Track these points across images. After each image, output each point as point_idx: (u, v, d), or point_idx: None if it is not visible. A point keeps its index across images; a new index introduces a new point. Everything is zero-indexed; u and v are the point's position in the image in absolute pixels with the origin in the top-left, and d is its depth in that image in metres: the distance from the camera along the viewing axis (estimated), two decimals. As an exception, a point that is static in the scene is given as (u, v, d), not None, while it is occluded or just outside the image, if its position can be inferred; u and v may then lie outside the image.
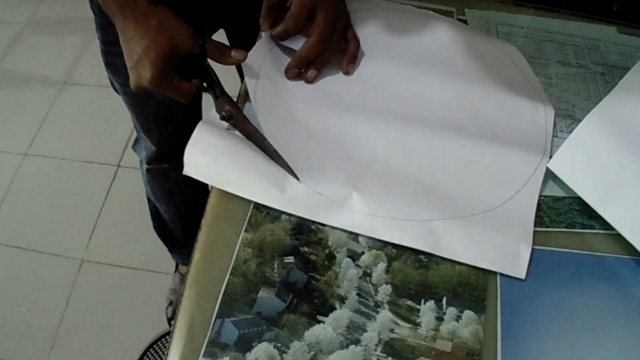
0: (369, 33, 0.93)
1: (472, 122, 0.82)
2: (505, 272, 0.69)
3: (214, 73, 0.80)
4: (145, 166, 1.33)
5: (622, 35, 1.01)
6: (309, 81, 0.85)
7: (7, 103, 2.32)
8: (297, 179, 0.73)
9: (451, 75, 0.88)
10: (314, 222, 0.72)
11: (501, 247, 0.70)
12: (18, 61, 2.40)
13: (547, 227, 0.73)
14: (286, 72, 0.86)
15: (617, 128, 0.78)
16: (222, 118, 0.77)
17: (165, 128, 1.17)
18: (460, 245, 0.70)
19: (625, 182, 0.73)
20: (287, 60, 0.87)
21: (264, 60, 0.87)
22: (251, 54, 0.84)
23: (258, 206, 0.73)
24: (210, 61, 0.81)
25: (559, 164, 0.77)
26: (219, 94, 0.79)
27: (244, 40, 0.98)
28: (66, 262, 1.88)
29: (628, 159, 0.74)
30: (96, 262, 1.88)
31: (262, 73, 0.84)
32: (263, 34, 0.90)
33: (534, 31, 0.99)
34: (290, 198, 0.72)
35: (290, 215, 0.72)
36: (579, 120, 0.81)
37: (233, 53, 0.80)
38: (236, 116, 0.77)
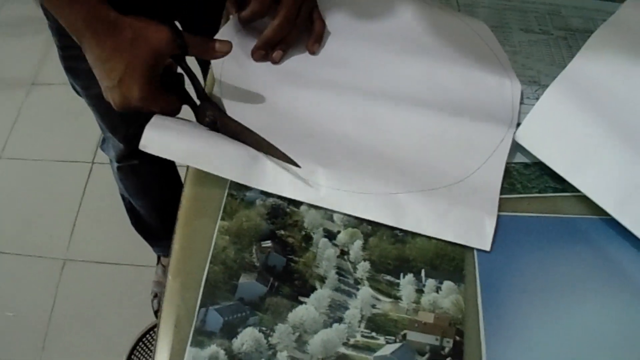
0: (334, 12, 0.93)
1: (438, 97, 0.82)
2: (470, 245, 0.69)
3: (195, 76, 0.78)
4: (115, 164, 1.32)
5: (583, -1, 1.02)
6: (275, 62, 0.85)
7: (-22, 106, 2.29)
8: (298, 166, 0.72)
9: (418, 52, 0.88)
10: (288, 204, 0.72)
11: (466, 220, 0.71)
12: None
13: (519, 193, 0.75)
14: (252, 54, 0.86)
15: (581, 94, 0.79)
16: (207, 124, 0.76)
17: (132, 126, 1.13)
18: (424, 218, 0.71)
19: (592, 148, 0.74)
20: (253, 42, 0.87)
21: (235, 36, 0.88)
22: (217, 37, 0.84)
23: (232, 193, 0.73)
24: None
25: (525, 134, 0.77)
26: (200, 97, 0.77)
27: (201, 30, 0.97)
28: (49, 263, 1.88)
29: (593, 125, 0.75)
30: (79, 260, 1.88)
31: (228, 56, 0.84)
32: (230, 17, 0.90)
33: (495, 0, 0.99)
34: (256, 173, 0.72)
35: (264, 199, 0.73)
36: (545, 86, 0.82)
37: (217, 45, 0.77)
38: (221, 119, 0.76)
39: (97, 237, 1.91)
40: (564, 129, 0.76)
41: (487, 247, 0.69)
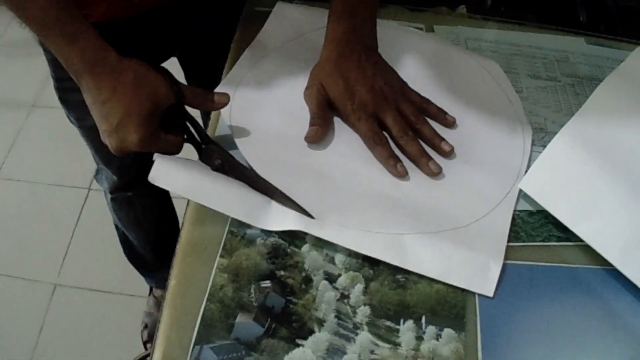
0: None
1: (448, 139, 0.81)
2: (473, 290, 0.68)
3: (195, 120, 0.77)
4: (109, 195, 1.30)
5: (590, 46, 1.02)
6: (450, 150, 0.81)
7: (-24, 127, 2.28)
8: (312, 217, 0.71)
9: (430, 91, 0.87)
10: (289, 245, 0.71)
11: (470, 264, 0.70)
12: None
13: (524, 241, 0.74)
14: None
15: (587, 144, 0.78)
16: (215, 168, 0.74)
17: (125, 158, 1.11)
18: (428, 259, 0.70)
19: (596, 198, 0.73)
20: (265, 80, 0.87)
21: (241, 82, 0.87)
22: (224, 80, 0.84)
23: (232, 230, 0.72)
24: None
25: (531, 183, 0.77)
26: (205, 142, 0.76)
27: (198, 68, 0.97)
28: (39, 287, 1.85)
29: (598, 175, 0.75)
30: (69, 286, 1.85)
31: (237, 95, 0.84)
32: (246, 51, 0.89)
33: (502, 45, 0.99)
34: (263, 214, 0.72)
35: (264, 238, 0.72)
36: (551, 133, 0.82)
37: (216, 97, 0.77)
38: (229, 163, 0.75)
39: (89, 264, 1.88)
40: (570, 179, 0.76)
41: (490, 293, 0.68)
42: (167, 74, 0.74)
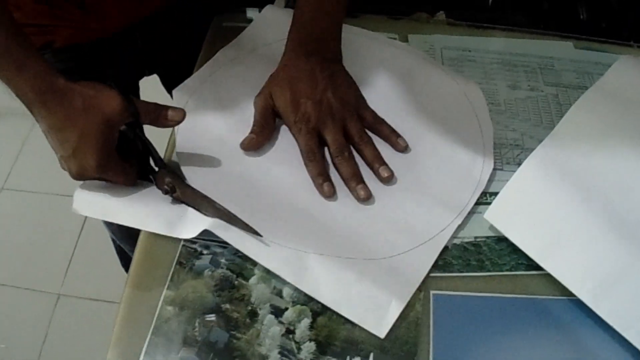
0: None
1: (397, 163, 0.78)
2: (364, 326, 0.64)
3: (150, 143, 0.75)
4: None
5: (580, 51, 0.97)
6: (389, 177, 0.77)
7: (-18, 137, 2.30)
8: (260, 235, 0.69)
9: (396, 108, 0.84)
10: (237, 277, 0.69)
11: (368, 299, 0.66)
12: (-9, 95, 2.38)
13: (488, 271, 0.70)
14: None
15: (559, 171, 0.74)
16: (165, 192, 0.73)
17: None
18: (326, 285, 0.66)
19: (566, 231, 0.69)
20: (210, 104, 0.84)
21: (190, 98, 0.85)
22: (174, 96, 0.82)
23: (181, 262, 0.70)
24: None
25: (497, 212, 0.72)
26: (159, 166, 0.74)
27: (177, 80, 0.95)
28: (43, 297, 1.85)
29: (569, 205, 0.70)
30: (73, 296, 1.85)
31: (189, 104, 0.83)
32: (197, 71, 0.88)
33: (481, 53, 0.95)
34: (176, 223, 0.70)
35: (212, 269, 0.69)
36: (528, 150, 0.79)
37: (170, 113, 0.75)
38: (179, 187, 0.73)
39: (92, 274, 1.88)
40: (539, 208, 0.71)
41: (382, 334, 0.64)
42: (123, 93, 0.71)
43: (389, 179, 0.76)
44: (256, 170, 0.77)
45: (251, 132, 0.79)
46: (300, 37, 0.82)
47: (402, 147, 0.79)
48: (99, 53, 0.93)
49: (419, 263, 0.69)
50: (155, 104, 0.75)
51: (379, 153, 0.78)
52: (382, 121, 0.81)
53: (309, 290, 0.66)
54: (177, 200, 0.73)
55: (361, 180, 0.75)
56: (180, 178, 0.74)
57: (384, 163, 0.77)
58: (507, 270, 0.69)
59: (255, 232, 0.69)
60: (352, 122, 0.79)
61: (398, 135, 0.80)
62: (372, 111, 0.82)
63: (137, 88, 1.10)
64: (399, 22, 0.97)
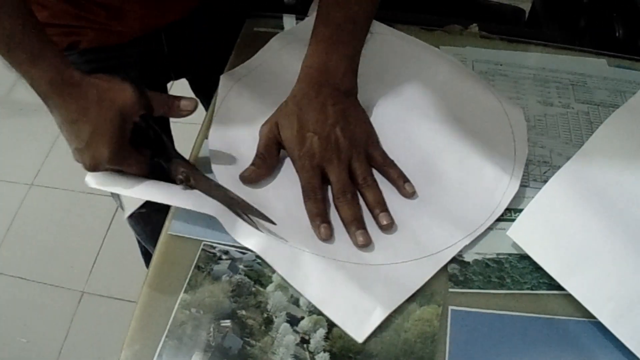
0: (374, 60, 0.90)
1: (420, 173, 0.77)
2: (344, 329, 0.64)
3: (164, 134, 0.75)
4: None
5: (613, 69, 0.95)
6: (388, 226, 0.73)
7: (15, 132, 2.33)
8: (274, 223, 0.69)
9: (432, 118, 0.82)
10: (254, 283, 0.68)
11: (353, 303, 0.65)
12: (26, 91, 2.40)
13: (509, 289, 0.68)
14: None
15: (584, 190, 0.72)
16: (180, 182, 0.73)
17: None
18: (315, 283, 0.67)
19: (589, 251, 0.67)
20: (255, 89, 0.86)
21: (235, 85, 0.86)
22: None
23: (200, 265, 0.70)
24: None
25: (520, 231, 0.70)
26: (172, 156, 0.75)
27: (206, 84, 0.96)
28: (67, 294, 1.87)
29: (594, 226, 0.69)
30: (97, 294, 1.87)
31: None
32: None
33: (513, 68, 0.93)
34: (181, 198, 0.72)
35: (230, 275, 0.69)
36: (556, 167, 0.77)
37: (182, 103, 0.75)
38: (194, 177, 0.73)
39: (117, 274, 1.89)
40: (562, 227, 0.69)
41: (361, 340, 0.63)
42: (136, 83, 0.72)
43: (387, 227, 0.72)
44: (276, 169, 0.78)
45: (252, 164, 0.77)
46: (313, 67, 0.79)
47: (408, 193, 0.75)
48: (125, 55, 0.93)
49: (414, 275, 0.68)
50: (168, 95, 0.76)
51: (381, 198, 0.74)
52: (391, 163, 0.78)
53: (298, 285, 0.67)
54: (190, 189, 0.73)
55: (361, 226, 0.72)
56: (194, 167, 0.75)
57: (384, 209, 0.73)
58: (528, 288, 0.68)
59: (269, 220, 0.69)
60: (358, 162, 0.76)
61: (406, 180, 0.76)
62: (382, 151, 0.79)
63: (166, 91, 1.11)
64: (432, 34, 0.96)
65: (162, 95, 0.75)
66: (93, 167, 0.71)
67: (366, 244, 0.70)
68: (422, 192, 0.76)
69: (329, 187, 0.76)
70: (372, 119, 0.82)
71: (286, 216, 0.73)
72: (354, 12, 0.78)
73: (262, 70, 0.90)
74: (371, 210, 0.74)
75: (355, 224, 0.72)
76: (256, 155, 0.78)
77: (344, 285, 0.66)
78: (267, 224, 0.70)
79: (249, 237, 0.70)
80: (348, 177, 0.75)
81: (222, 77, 0.88)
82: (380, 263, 0.69)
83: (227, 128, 0.82)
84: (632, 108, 0.82)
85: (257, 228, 0.70)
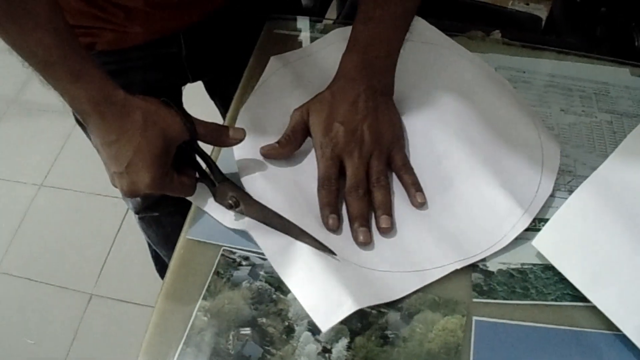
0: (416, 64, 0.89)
1: (436, 185, 0.76)
2: (311, 315, 0.63)
3: (209, 157, 0.74)
4: (136, 216, 1.28)
5: (636, 78, 0.93)
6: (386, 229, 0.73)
7: (25, 133, 2.33)
8: (334, 254, 0.67)
9: (462, 142, 0.80)
10: (275, 290, 0.67)
11: (327, 292, 0.64)
12: (37, 91, 2.40)
13: (533, 299, 0.67)
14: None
15: (611, 201, 0.71)
16: (229, 207, 0.71)
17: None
18: (294, 267, 0.67)
19: (616, 264, 0.66)
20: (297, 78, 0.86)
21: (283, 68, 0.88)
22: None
23: (219, 271, 0.69)
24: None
25: (545, 241, 0.69)
26: (219, 180, 0.73)
27: (222, 86, 0.94)
28: (75, 296, 1.86)
29: (621, 238, 0.67)
30: (105, 297, 1.86)
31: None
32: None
33: (536, 75, 0.92)
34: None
35: (250, 282, 0.68)
36: (580, 177, 0.76)
37: (232, 133, 0.74)
38: (244, 201, 0.71)
39: (126, 276, 1.88)
40: (589, 238, 0.68)
41: (324, 329, 0.62)
42: (179, 109, 0.70)
43: (385, 231, 0.71)
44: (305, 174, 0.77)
45: (277, 142, 0.77)
46: (351, 63, 0.79)
47: (417, 202, 0.74)
48: (142, 57, 0.92)
49: (395, 286, 0.67)
50: (216, 124, 0.74)
51: (388, 201, 0.73)
52: (409, 169, 0.77)
53: (279, 268, 0.67)
54: (240, 214, 0.71)
55: (365, 224, 0.71)
56: (244, 192, 0.72)
57: (388, 213, 0.72)
58: (552, 299, 0.67)
59: (329, 251, 0.67)
60: (377, 161, 0.75)
61: (418, 190, 0.75)
62: (404, 156, 0.78)
63: (180, 94, 1.10)
64: (454, 39, 0.95)
65: (209, 123, 0.73)
66: (131, 193, 0.69)
67: (365, 243, 0.70)
68: (431, 207, 0.74)
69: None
70: (404, 122, 0.82)
71: (293, 203, 0.73)
72: (392, 11, 0.77)
73: (310, 61, 0.90)
74: (375, 210, 0.73)
75: (360, 220, 0.71)
76: (282, 136, 0.78)
77: (323, 274, 0.65)
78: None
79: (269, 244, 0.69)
80: (364, 174, 0.74)
81: (272, 58, 0.90)
82: (367, 266, 0.68)
83: (261, 106, 0.84)
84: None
85: (329, 252, 0.68)
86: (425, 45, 0.93)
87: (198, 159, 0.75)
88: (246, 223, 0.70)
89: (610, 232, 0.68)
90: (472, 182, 0.75)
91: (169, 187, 0.70)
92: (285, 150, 0.77)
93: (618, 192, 0.71)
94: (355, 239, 0.71)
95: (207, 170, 0.74)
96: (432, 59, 0.91)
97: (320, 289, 0.64)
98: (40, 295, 1.87)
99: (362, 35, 0.79)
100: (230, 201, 0.70)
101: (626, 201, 0.70)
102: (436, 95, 0.85)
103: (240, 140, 0.74)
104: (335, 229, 0.71)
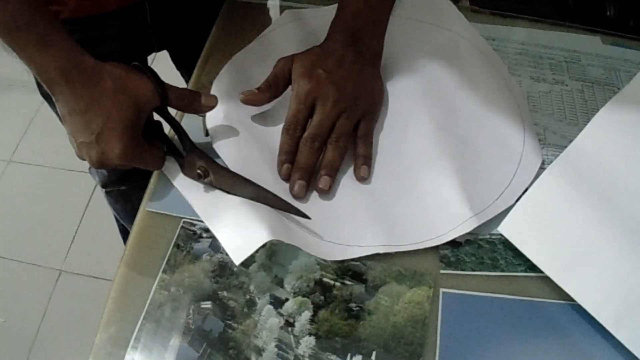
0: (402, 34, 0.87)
1: (409, 167, 0.74)
2: (227, 251, 0.63)
3: (179, 124, 0.71)
4: (103, 190, 1.26)
5: (607, 47, 0.92)
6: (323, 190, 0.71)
7: (-8, 108, 2.28)
8: (308, 218, 0.66)
9: (442, 112, 0.79)
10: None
11: (244, 226, 0.64)
12: (3, 66, 2.35)
13: (502, 271, 0.65)
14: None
15: (580, 184, 0.69)
16: (198, 177, 0.69)
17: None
18: (214, 206, 0.67)
19: (587, 249, 0.64)
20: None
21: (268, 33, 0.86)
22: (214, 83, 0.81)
23: (179, 244, 0.67)
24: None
25: (512, 227, 0.67)
26: (187, 149, 0.70)
27: (188, 56, 0.92)
28: (45, 272, 1.83)
29: (591, 222, 0.65)
30: (74, 273, 1.84)
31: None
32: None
33: (506, 43, 0.90)
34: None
35: (211, 254, 0.66)
36: (550, 145, 0.76)
37: (204, 99, 0.71)
38: (213, 170, 0.68)
39: (95, 251, 1.86)
40: (557, 224, 0.66)
41: (237, 261, 0.61)
42: (152, 74, 0.67)
43: (322, 192, 0.70)
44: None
45: (257, 88, 0.75)
46: (340, 29, 0.78)
47: (360, 176, 0.72)
48: (107, 26, 0.89)
49: (321, 248, 0.66)
50: (188, 90, 0.72)
51: (336, 163, 0.71)
52: (368, 142, 0.74)
53: (199, 209, 0.68)
54: (210, 185, 0.69)
55: (306, 177, 0.70)
56: (213, 160, 0.70)
57: (331, 175, 0.70)
58: (522, 271, 0.65)
59: (303, 215, 0.65)
60: (347, 120, 0.73)
61: (365, 163, 0.72)
62: (370, 127, 0.76)
63: (146, 63, 1.07)
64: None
65: (182, 89, 0.71)
66: (100, 163, 0.66)
67: (298, 196, 0.69)
68: (378, 185, 0.72)
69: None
70: (386, 93, 0.81)
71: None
72: None
73: (316, 23, 0.88)
74: (320, 169, 0.71)
75: (302, 172, 0.70)
76: (263, 81, 0.76)
77: (244, 213, 0.65)
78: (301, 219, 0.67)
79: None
80: (328, 128, 0.72)
81: (286, 11, 0.90)
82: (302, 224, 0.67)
83: (256, 57, 0.84)
84: (626, 97, 0.78)
85: (302, 216, 0.66)
86: (432, 26, 0.91)
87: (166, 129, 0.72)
88: (176, 181, 0.70)
89: (579, 217, 0.66)
90: (432, 171, 0.72)
91: (139, 158, 0.68)
92: (265, 96, 0.75)
93: (586, 175, 0.69)
94: (291, 188, 0.69)
95: (176, 139, 0.72)
96: (427, 36, 0.89)
97: (238, 225, 0.64)
98: (9, 272, 1.85)
99: (350, 3, 0.78)
100: (199, 171, 0.68)
101: (595, 184, 0.68)
102: (425, 74, 0.83)
103: (212, 108, 0.72)
104: (286, 179, 0.70)
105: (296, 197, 0.69)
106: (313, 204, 0.69)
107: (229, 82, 0.81)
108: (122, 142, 0.64)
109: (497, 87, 0.82)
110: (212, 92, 0.79)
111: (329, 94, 0.72)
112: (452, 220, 0.67)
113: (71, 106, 0.64)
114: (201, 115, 0.75)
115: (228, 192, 0.68)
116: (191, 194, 0.69)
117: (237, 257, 0.61)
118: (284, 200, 0.66)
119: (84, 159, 0.68)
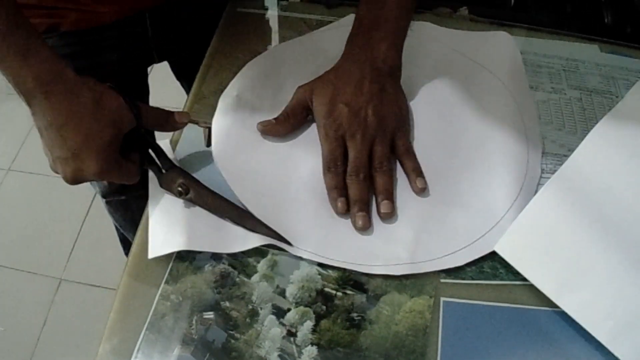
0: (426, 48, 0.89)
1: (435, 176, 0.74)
2: (149, 243, 0.66)
3: (156, 143, 0.71)
4: (103, 200, 1.26)
5: (605, 55, 0.93)
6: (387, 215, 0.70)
7: (-8, 117, 2.27)
8: (290, 244, 0.66)
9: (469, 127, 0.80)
10: (239, 274, 0.66)
11: (177, 228, 0.67)
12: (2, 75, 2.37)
13: (502, 279, 0.66)
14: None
15: (576, 201, 0.68)
16: (178, 194, 0.69)
17: None
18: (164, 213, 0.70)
19: (584, 268, 0.64)
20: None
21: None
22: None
23: (181, 255, 0.67)
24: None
25: (508, 246, 0.66)
26: (166, 167, 0.70)
27: (188, 67, 0.93)
28: (45, 281, 1.83)
29: (587, 241, 0.65)
30: (75, 281, 1.84)
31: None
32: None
33: (505, 53, 0.91)
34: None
35: (213, 265, 0.66)
36: (549, 154, 0.76)
37: (177, 117, 0.71)
38: (194, 188, 0.69)
39: (95, 260, 1.86)
40: (554, 242, 0.66)
41: (150, 255, 0.66)
42: (125, 94, 0.67)
43: (387, 216, 0.69)
44: (301, 184, 0.74)
45: (274, 118, 0.75)
46: (357, 44, 0.77)
47: (418, 188, 0.71)
48: (107, 38, 0.89)
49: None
50: (160, 109, 0.71)
51: (390, 186, 0.71)
52: (411, 155, 0.74)
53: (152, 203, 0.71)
54: (190, 202, 0.69)
55: (365, 208, 0.69)
56: (194, 178, 0.70)
57: (389, 198, 0.70)
58: (522, 279, 0.66)
59: (283, 240, 0.66)
60: (381, 146, 0.73)
61: (419, 175, 0.72)
62: (407, 141, 0.76)
63: (146, 75, 1.07)
64: (421, 16, 0.93)
65: (155, 108, 0.71)
66: (74, 180, 0.66)
67: (364, 227, 0.68)
68: (432, 195, 0.73)
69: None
70: (411, 105, 0.80)
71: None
72: None
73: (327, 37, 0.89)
74: (376, 196, 0.71)
75: (359, 204, 0.69)
76: (282, 112, 0.76)
77: (188, 217, 0.68)
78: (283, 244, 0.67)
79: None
80: (367, 158, 0.72)
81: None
82: (326, 256, 0.67)
83: (264, 68, 0.85)
84: (621, 111, 0.79)
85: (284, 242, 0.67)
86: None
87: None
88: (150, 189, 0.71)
89: (576, 235, 0.66)
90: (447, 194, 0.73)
91: (115, 175, 0.67)
92: (283, 128, 0.75)
93: (583, 192, 0.69)
94: (354, 223, 0.68)
95: (154, 156, 0.72)
96: (448, 47, 0.90)
97: (172, 224, 0.67)
98: (9, 281, 1.85)
99: (366, 17, 0.78)
100: (180, 188, 0.68)
101: (591, 201, 0.68)
102: (446, 82, 0.83)
103: (184, 125, 0.73)
104: (344, 213, 0.69)
105: (362, 229, 0.68)
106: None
107: (236, 95, 0.81)
108: (99, 160, 0.63)
109: (507, 115, 0.81)
110: (220, 103, 0.80)
111: (354, 129, 0.72)
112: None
113: (48, 120, 0.62)
114: (202, 126, 0.76)
115: (208, 210, 0.69)
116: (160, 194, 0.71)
117: (152, 252, 0.65)
118: (267, 226, 0.67)
119: (57, 173, 0.67)
